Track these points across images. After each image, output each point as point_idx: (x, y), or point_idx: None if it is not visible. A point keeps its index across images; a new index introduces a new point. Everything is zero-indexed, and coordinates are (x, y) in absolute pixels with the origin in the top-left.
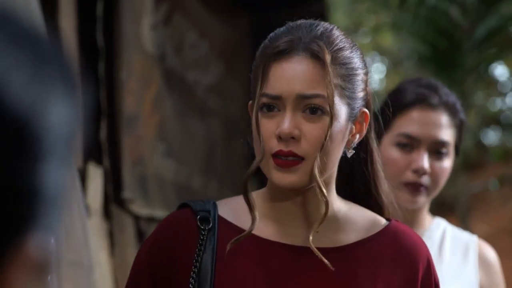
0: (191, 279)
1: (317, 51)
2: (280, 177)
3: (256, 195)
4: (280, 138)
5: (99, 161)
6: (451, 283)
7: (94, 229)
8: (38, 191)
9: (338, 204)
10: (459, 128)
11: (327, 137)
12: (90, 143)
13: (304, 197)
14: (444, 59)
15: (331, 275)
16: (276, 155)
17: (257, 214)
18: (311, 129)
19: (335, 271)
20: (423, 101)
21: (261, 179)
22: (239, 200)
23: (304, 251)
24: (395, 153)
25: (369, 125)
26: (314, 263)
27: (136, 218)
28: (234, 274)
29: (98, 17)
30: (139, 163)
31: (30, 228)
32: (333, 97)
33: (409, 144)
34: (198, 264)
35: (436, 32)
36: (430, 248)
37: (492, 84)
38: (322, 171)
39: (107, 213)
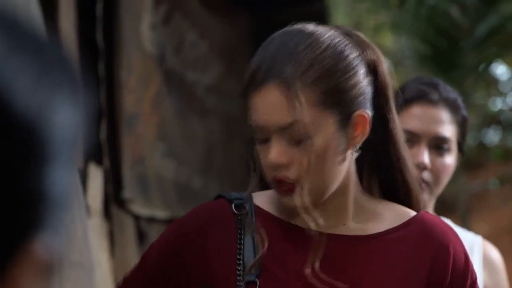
0: (238, 260)
1: (284, 78)
2: (285, 201)
3: None
4: (271, 166)
5: (99, 161)
6: None
7: (95, 229)
8: (44, 194)
9: (365, 200)
10: (461, 125)
11: (316, 157)
12: (90, 143)
13: (326, 199)
14: (444, 59)
15: (359, 262)
16: (274, 181)
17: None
18: (297, 154)
19: (363, 258)
20: (423, 97)
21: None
22: (272, 192)
23: (333, 239)
24: None
25: (388, 110)
26: (343, 249)
27: (137, 218)
28: (275, 258)
29: (98, 17)
30: (139, 163)
31: (37, 230)
32: (310, 118)
33: (409, 139)
34: (242, 246)
35: (436, 32)
36: None
37: (492, 84)
38: (325, 188)
39: (107, 213)
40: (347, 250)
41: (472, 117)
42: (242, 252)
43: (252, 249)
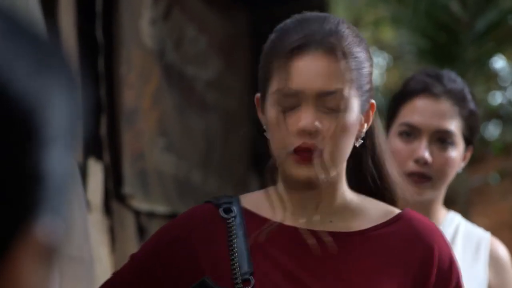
0: (233, 262)
1: (331, 47)
2: (299, 171)
3: (272, 190)
4: (300, 133)
5: (99, 157)
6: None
7: (95, 224)
8: (44, 177)
9: (350, 196)
10: (468, 118)
11: (343, 130)
12: (90, 139)
13: (318, 190)
14: (443, 53)
15: (349, 259)
16: (296, 151)
17: (286, 203)
18: (327, 124)
19: (352, 255)
20: (425, 90)
21: (260, 173)
22: (258, 193)
23: (320, 235)
24: (398, 143)
25: (374, 115)
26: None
27: (137, 214)
28: (266, 257)
29: (98, 12)
30: (139, 158)
31: (37, 213)
32: (349, 91)
33: (410, 133)
34: (235, 249)
35: (435, 26)
36: None
37: (492, 78)
38: (338, 163)
39: (107, 209)
40: (337, 247)
41: None
42: (235, 254)
43: (244, 250)
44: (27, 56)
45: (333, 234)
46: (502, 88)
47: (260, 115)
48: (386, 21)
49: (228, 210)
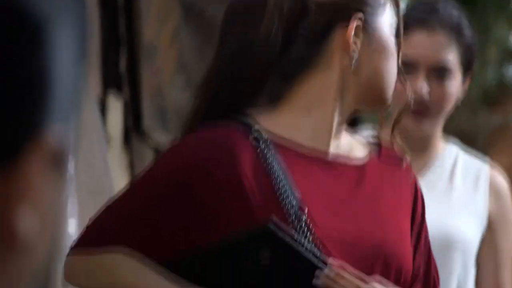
0: (281, 192)
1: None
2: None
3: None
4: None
5: (119, 92)
6: (461, 211)
7: (115, 159)
8: (53, 82)
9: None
10: (465, 48)
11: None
12: (110, 74)
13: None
14: None
15: (368, 190)
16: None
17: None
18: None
19: (370, 185)
20: (420, 24)
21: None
22: (280, 115)
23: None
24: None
25: None
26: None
27: (156, 149)
28: (306, 184)
29: None
30: (158, 95)
31: (47, 119)
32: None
33: (408, 68)
34: (274, 173)
35: None
36: (441, 175)
37: None
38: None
39: (127, 143)
40: (356, 177)
41: (492, 52)
42: (281, 183)
43: (286, 179)
44: None
45: (350, 163)
46: None
47: (353, 39)
48: None
49: (257, 135)
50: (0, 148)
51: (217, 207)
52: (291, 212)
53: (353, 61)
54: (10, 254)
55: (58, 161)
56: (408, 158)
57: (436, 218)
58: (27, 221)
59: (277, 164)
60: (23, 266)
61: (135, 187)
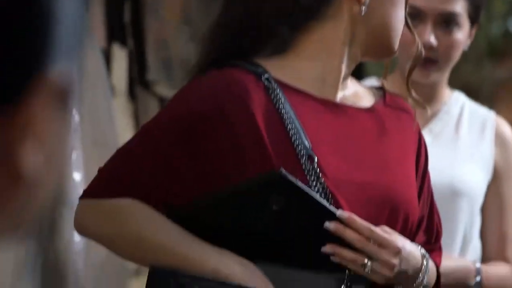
0: (293, 138)
1: None
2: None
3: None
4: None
5: (123, 43)
6: (468, 160)
7: (119, 109)
8: (55, 20)
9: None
10: None
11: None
12: (114, 25)
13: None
14: None
15: (377, 136)
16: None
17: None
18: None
19: (379, 131)
20: None
21: None
22: (285, 61)
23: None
24: (404, 28)
25: None
26: (362, 121)
27: (161, 100)
28: (316, 131)
29: None
30: (163, 46)
31: (50, 57)
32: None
33: (415, 17)
34: (288, 118)
35: None
36: (448, 123)
37: None
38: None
39: (132, 94)
40: (364, 120)
41: (498, 3)
42: (293, 129)
43: (298, 124)
44: None
45: (360, 109)
46: None
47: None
48: None
49: (268, 77)
50: (4, 86)
51: (232, 150)
52: (303, 158)
53: (363, 8)
54: (15, 190)
55: (62, 99)
56: (422, 108)
57: (442, 166)
58: (32, 156)
59: (289, 107)
60: (27, 203)
61: (146, 132)
